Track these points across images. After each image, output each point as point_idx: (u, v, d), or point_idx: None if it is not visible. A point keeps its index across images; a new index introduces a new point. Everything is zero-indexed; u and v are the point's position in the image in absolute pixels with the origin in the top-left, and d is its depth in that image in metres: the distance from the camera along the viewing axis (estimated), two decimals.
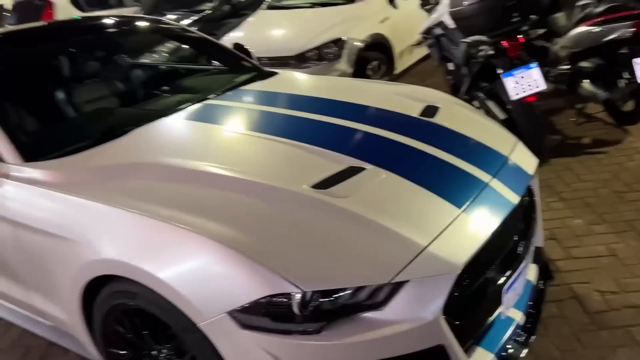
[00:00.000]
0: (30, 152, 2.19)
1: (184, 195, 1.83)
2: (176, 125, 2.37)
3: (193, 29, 6.46)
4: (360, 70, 5.16)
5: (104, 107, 2.68)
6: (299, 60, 4.96)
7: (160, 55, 3.55)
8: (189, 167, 1.98)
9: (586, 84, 3.98)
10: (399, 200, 1.80)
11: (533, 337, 2.10)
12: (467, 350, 1.82)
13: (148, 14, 7.61)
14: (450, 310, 1.66)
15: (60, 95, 2.63)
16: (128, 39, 3.37)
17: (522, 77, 3.30)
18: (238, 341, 1.58)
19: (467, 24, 3.47)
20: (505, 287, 1.89)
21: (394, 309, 1.60)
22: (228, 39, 5.40)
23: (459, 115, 2.45)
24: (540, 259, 2.39)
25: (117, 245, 1.78)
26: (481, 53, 3.42)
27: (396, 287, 1.59)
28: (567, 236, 2.98)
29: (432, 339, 1.63)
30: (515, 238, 2.05)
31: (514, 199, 1.96)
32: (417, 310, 1.60)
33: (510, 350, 1.98)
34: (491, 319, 1.91)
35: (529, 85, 3.30)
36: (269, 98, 2.65)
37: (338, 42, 5.00)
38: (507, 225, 1.93)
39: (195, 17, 6.97)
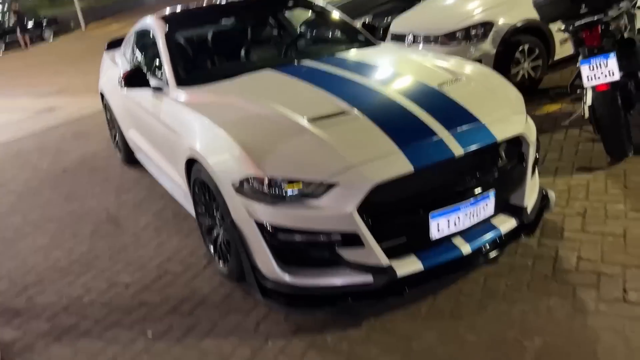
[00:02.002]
0: (181, 81, 3.51)
1: (235, 115, 2.91)
2: (266, 75, 3.43)
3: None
4: (509, 52, 5.48)
5: (230, 59, 3.92)
6: (448, 39, 5.52)
7: (299, 27, 4.62)
8: (247, 99, 3.04)
9: None
10: (358, 135, 2.58)
11: (473, 268, 2.69)
12: (395, 252, 2.54)
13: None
14: (369, 213, 2.41)
15: (210, 48, 3.93)
16: (280, 13, 4.53)
17: (598, 66, 3.48)
18: (234, 201, 2.61)
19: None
20: (433, 214, 2.51)
21: (326, 200, 2.43)
22: (397, 20, 6.24)
23: (470, 88, 2.98)
24: (520, 217, 2.84)
25: (197, 139, 2.95)
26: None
27: (329, 186, 2.42)
28: (597, 215, 3.21)
29: (349, 226, 2.40)
30: (458, 183, 2.61)
31: (458, 152, 2.53)
32: (340, 204, 2.40)
33: (440, 267, 2.60)
34: (416, 235, 2.56)
35: (603, 74, 3.47)
36: (336, 61, 3.53)
37: (486, 25, 5.40)
38: (443, 169, 2.55)
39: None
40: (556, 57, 5.85)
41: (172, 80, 3.52)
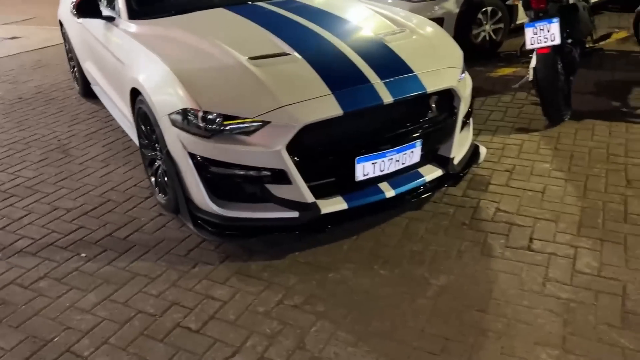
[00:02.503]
0: (134, 14, 3.50)
1: (179, 50, 2.95)
2: (218, 13, 3.45)
3: None
4: (471, 13, 5.55)
5: None
6: None
7: None
8: (194, 35, 3.07)
9: None
10: (293, 76, 2.66)
11: (394, 210, 2.86)
12: (323, 192, 2.67)
13: None
14: (298, 152, 2.53)
15: None
16: None
17: (542, 30, 3.60)
18: (170, 133, 2.70)
19: None
20: (359, 158, 2.64)
21: (258, 137, 2.53)
22: None
23: (411, 40, 3.08)
24: (447, 167, 2.99)
25: (140, 70, 3.00)
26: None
27: (262, 124, 2.52)
28: (523, 172, 3.40)
29: (277, 163, 2.52)
30: (386, 129, 2.73)
31: (387, 99, 2.64)
32: (270, 142, 2.51)
33: (363, 207, 2.75)
34: (342, 176, 2.68)
35: (545, 38, 3.59)
36: (289, 5, 3.55)
37: None
38: (372, 115, 2.67)
39: None
40: (519, 21, 5.95)
41: (125, 12, 3.51)
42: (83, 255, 2.82)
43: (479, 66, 5.54)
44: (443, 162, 3.01)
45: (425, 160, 2.95)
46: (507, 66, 5.49)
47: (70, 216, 3.20)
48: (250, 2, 3.67)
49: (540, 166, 3.46)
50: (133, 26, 3.38)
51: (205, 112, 2.55)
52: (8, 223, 3.15)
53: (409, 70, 2.81)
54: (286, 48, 2.87)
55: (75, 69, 5.25)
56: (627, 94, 4.47)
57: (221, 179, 2.66)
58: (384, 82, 2.70)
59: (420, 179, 2.92)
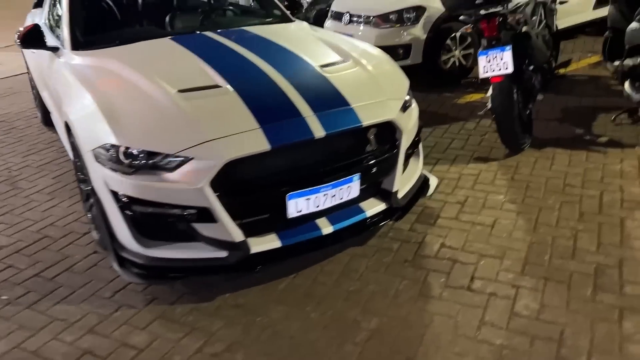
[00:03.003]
0: (78, 45, 3.43)
1: (111, 82, 2.87)
2: (160, 44, 3.37)
3: None
4: (439, 39, 5.50)
5: (133, 26, 3.84)
6: (382, 20, 5.50)
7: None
8: (129, 67, 2.97)
9: (626, 83, 3.93)
10: (221, 109, 2.56)
11: (335, 246, 2.76)
12: (257, 229, 2.55)
13: None
14: (225, 188, 2.41)
15: (115, 13, 3.85)
16: None
17: (494, 58, 3.52)
18: (93, 168, 2.58)
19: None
20: (290, 194, 2.52)
21: (180, 174, 2.41)
22: None
23: (352, 71, 2.98)
24: (389, 200, 2.87)
25: (71, 103, 2.90)
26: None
27: (184, 160, 2.41)
28: (475, 204, 3.28)
29: (200, 200, 2.40)
30: (320, 164, 2.62)
31: (319, 133, 2.53)
32: (192, 178, 2.39)
33: (298, 245, 2.62)
34: (273, 214, 2.55)
35: (498, 66, 3.51)
36: (236, 35, 3.47)
37: (418, 9, 5.40)
38: (304, 150, 2.56)
39: None
40: None
41: (69, 43, 3.43)
42: (4, 297, 2.68)
43: (447, 92, 5.46)
44: (386, 195, 2.89)
45: (366, 194, 2.83)
46: (476, 92, 5.40)
47: (1, 254, 3.07)
48: (198, 32, 3.59)
49: (493, 198, 3.34)
50: (74, 57, 3.29)
51: (127, 148, 2.45)
52: None
53: (344, 102, 2.71)
54: (218, 80, 2.78)
55: (37, 98, 5.17)
56: (591, 120, 4.39)
57: (145, 218, 2.53)
58: (317, 115, 2.59)
59: (361, 214, 2.79)
